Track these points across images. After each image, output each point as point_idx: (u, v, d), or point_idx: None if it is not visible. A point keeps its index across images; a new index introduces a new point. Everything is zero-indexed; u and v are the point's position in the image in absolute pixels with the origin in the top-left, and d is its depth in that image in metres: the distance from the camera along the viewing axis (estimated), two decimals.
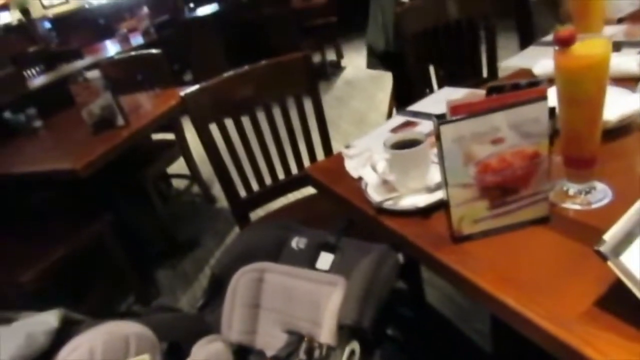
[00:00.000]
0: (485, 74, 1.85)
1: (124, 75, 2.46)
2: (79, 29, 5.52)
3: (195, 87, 1.41)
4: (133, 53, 2.78)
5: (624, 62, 1.08)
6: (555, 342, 0.55)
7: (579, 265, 0.62)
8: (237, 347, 0.90)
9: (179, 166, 2.68)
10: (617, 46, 1.25)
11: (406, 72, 1.89)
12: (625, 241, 0.52)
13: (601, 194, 0.73)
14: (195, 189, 2.86)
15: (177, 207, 2.86)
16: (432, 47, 1.78)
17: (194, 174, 2.70)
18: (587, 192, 0.74)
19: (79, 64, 3.81)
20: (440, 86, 1.84)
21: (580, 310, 0.56)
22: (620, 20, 1.49)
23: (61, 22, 6.31)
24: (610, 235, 0.51)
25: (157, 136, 2.57)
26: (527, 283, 0.63)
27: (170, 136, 2.54)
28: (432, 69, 1.91)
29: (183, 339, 0.85)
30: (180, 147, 2.55)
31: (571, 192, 0.75)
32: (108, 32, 5.34)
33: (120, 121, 1.82)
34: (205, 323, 0.94)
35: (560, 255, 0.66)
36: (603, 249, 0.51)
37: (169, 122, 2.36)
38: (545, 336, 0.56)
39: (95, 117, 1.82)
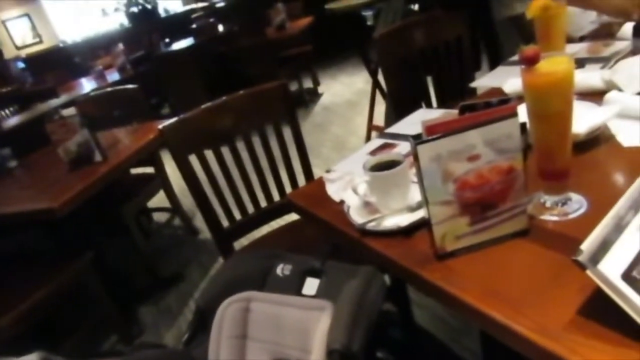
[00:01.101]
0: (462, 94, 1.90)
1: (101, 112, 2.45)
2: (54, 68, 5.50)
3: (174, 119, 1.41)
4: (109, 89, 2.78)
5: (588, 77, 1.12)
6: (543, 353, 0.56)
7: (561, 275, 0.63)
8: None
9: (159, 199, 2.65)
10: (581, 63, 1.30)
11: None
12: (602, 249, 0.53)
13: (577, 204, 0.75)
14: (177, 221, 2.83)
15: (159, 240, 2.82)
16: (409, 71, 1.83)
17: (175, 207, 2.67)
18: (564, 204, 0.76)
19: (54, 102, 3.78)
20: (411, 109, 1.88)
21: (565, 320, 0.57)
22: (582, 39, 1.56)
23: (35, 61, 6.28)
24: (587, 245, 0.53)
25: (136, 170, 2.55)
26: (512, 296, 0.63)
27: (149, 170, 2.52)
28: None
29: None
30: (161, 180, 2.53)
31: (548, 204, 0.77)
32: (83, 69, 5.33)
33: (98, 157, 1.81)
34: (191, 358, 0.92)
35: (541, 266, 0.68)
36: (581, 258, 0.52)
37: (148, 155, 2.35)
38: (534, 348, 0.57)
39: (72, 154, 1.80)
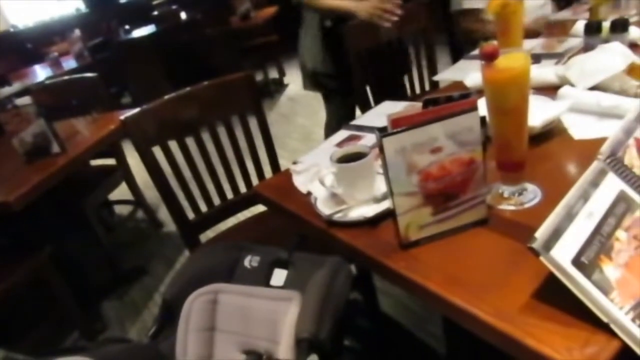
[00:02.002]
0: (427, 87, 1.94)
1: (58, 101, 2.35)
2: (4, 54, 5.21)
3: (136, 110, 1.38)
4: (66, 77, 2.67)
5: (543, 72, 1.18)
6: (500, 335, 0.59)
7: (517, 262, 0.67)
8: None
9: (121, 192, 2.58)
10: (537, 58, 1.36)
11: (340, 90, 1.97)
12: (554, 237, 0.56)
13: (532, 194, 0.79)
14: (140, 214, 2.76)
15: (121, 234, 2.75)
16: (374, 63, 1.85)
17: (138, 199, 2.61)
18: (520, 194, 0.80)
19: (6, 90, 3.59)
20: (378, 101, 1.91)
21: (520, 304, 0.60)
22: (537, 35, 1.62)
23: None
24: (541, 232, 0.56)
25: (96, 162, 2.47)
26: (472, 282, 0.66)
27: (110, 161, 2.45)
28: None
29: None
30: (122, 172, 2.46)
31: (506, 194, 0.80)
32: (37, 56, 5.07)
33: (55, 148, 1.74)
34: (158, 351, 0.91)
35: (500, 253, 0.71)
36: (535, 245, 0.55)
37: (109, 147, 2.27)
38: (491, 331, 0.60)
39: (28, 146, 1.73)
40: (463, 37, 1.90)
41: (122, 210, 2.91)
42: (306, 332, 0.74)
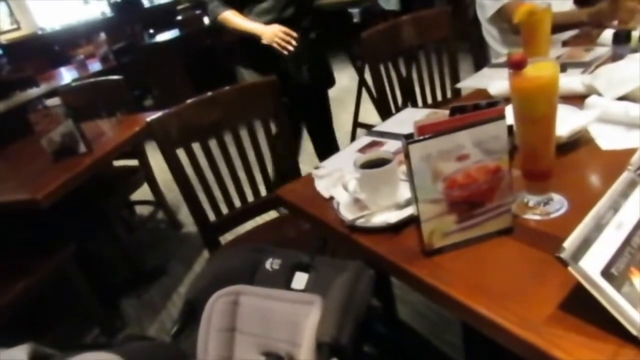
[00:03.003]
0: (449, 94, 1.94)
1: (84, 102, 2.41)
2: (32, 56, 5.36)
3: (161, 112, 1.41)
4: (93, 80, 2.74)
5: (570, 82, 1.16)
6: (525, 345, 0.58)
7: (543, 272, 0.66)
8: None
9: (142, 192, 2.63)
10: (563, 67, 1.34)
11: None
12: (583, 247, 0.55)
13: (558, 204, 0.78)
14: (160, 215, 2.81)
15: (142, 234, 2.79)
16: (395, 70, 1.86)
17: (159, 200, 2.65)
18: (546, 203, 0.79)
19: (36, 91, 3.70)
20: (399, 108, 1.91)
21: (547, 314, 0.60)
22: (564, 44, 1.61)
23: (13, 48, 6.11)
24: (569, 242, 0.55)
25: (119, 163, 2.52)
26: (496, 291, 0.66)
27: (133, 162, 2.50)
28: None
29: None
30: (144, 173, 2.51)
31: (531, 203, 0.80)
32: (63, 58, 5.21)
33: (82, 148, 1.78)
34: (180, 350, 0.92)
35: (524, 263, 0.70)
36: (563, 255, 0.55)
37: (133, 148, 2.32)
38: (516, 340, 0.59)
39: (56, 145, 1.78)
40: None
41: (142, 210, 2.96)
42: (328, 336, 0.74)
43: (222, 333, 0.90)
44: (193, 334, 0.93)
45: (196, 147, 1.43)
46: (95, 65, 4.33)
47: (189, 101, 1.45)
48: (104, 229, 2.19)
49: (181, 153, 1.41)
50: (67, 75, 4.26)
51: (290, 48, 1.83)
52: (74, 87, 2.77)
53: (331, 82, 2.43)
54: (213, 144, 1.46)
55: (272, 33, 1.83)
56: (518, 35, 1.24)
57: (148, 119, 1.38)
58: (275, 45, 1.82)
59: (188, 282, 2.24)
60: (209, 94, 1.48)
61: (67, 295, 1.93)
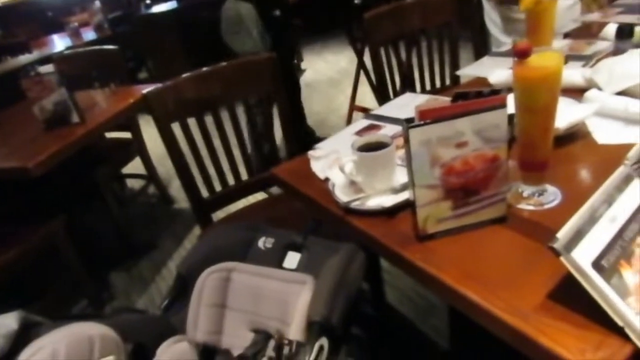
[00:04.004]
0: (448, 81, 1.93)
1: (78, 71, 2.37)
2: (25, 21, 5.23)
3: (157, 85, 1.39)
4: (87, 48, 2.69)
5: (570, 74, 1.16)
6: (513, 332, 0.59)
7: (534, 261, 0.67)
8: (203, 347, 0.89)
9: (134, 166, 2.61)
10: (564, 59, 1.34)
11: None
12: (576, 238, 0.56)
13: (552, 195, 0.79)
14: (152, 189, 2.79)
15: (132, 208, 2.78)
16: (395, 54, 1.84)
17: (151, 174, 2.64)
18: (540, 194, 0.79)
19: (28, 57, 3.62)
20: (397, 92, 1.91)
21: (536, 302, 0.61)
22: (565, 36, 1.60)
23: (5, 12, 5.95)
24: (563, 233, 0.56)
25: (111, 135, 2.49)
26: (487, 278, 0.67)
27: (126, 135, 2.47)
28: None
29: (148, 340, 0.83)
30: (137, 147, 2.49)
31: (526, 193, 0.80)
32: (56, 25, 5.08)
33: (75, 118, 1.76)
34: (170, 324, 0.93)
35: (516, 252, 0.71)
36: (556, 245, 0.55)
37: (126, 120, 2.29)
38: (504, 327, 0.60)
39: (48, 114, 1.75)
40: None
41: (134, 184, 2.94)
42: (318, 316, 0.75)
43: (213, 308, 0.91)
44: (183, 308, 0.94)
45: (191, 122, 1.42)
46: (89, 34, 4.24)
47: (186, 75, 1.43)
48: (94, 200, 2.18)
49: (176, 128, 1.40)
50: (60, 43, 4.17)
51: None
52: (68, 55, 2.72)
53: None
54: (209, 120, 1.44)
55: None
56: (521, 23, 1.23)
57: (144, 91, 1.36)
58: None
59: (178, 257, 2.25)
60: (207, 68, 1.46)
61: (57, 265, 1.92)
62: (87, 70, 2.39)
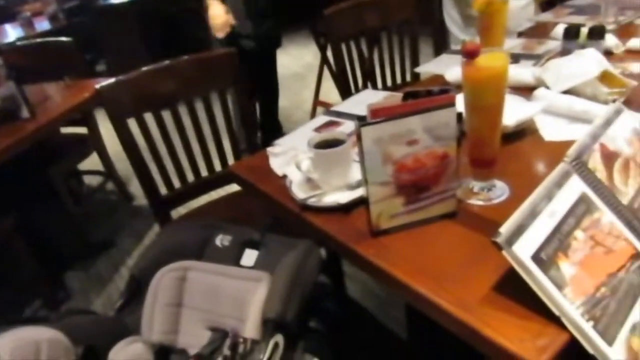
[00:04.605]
0: (408, 78, 1.96)
1: (29, 64, 2.26)
2: None
3: (112, 79, 1.34)
4: (40, 40, 2.57)
5: (521, 73, 1.20)
6: (459, 324, 0.62)
7: (481, 255, 0.69)
8: (159, 347, 0.88)
9: (91, 162, 2.52)
10: (516, 58, 1.38)
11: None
12: (517, 233, 0.59)
13: (500, 191, 0.82)
14: (110, 186, 2.71)
15: (90, 205, 2.69)
16: (357, 50, 1.85)
17: (109, 171, 2.56)
18: (489, 190, 0.82)
19: None
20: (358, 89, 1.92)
21: (481, 295, 0.63)
22: (519, 35, 1.65)
23: None
24: (505, 228, 0.58)
25: (67, 130, 2.40)
26: (437, 272, 0.69)
27: (82, 130, 2.39)
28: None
29: (100, 343, 0.82)
30: (94, 143, 2.41)
31: (475, 189, 0.83)
32: (7, 14, 4.84)
33: (25, 113, 1.68)
34: (123, 325, 0.91)
35: (465, 246, 0.74)
36: (499, 239, 0.58)
37: (82, 115, 2.22)
38: (451, 319, 0.63)
39: None
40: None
41: (91, 181, 2.85)
42: (273, 313, 0.76)
43: (169, 308, 0.90)
44: (138, 308, 0.92)
45: (149, 117, 1.38)
46: (43, 24, 4.05)
47: (143, 69, 1.39)
48: (49, 198, 2.10)
49: (133, 123, 1.36)
50: (11, 33, 3.97)
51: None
52: (19, 46, 2.60)
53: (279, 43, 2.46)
54: (167, 115, 1.41)
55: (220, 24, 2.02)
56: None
57: (98, 86, 1.32)
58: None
59: (138, 256, 2.20)
60: (166, 62, 1.43)
61: (9, 266, 1.84)
62: (40, 63, 2.28)
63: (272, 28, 2.39)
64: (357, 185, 0.87)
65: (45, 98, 1.91)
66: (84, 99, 1.86)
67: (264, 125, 2.78)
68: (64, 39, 2.31)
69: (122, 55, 4.10)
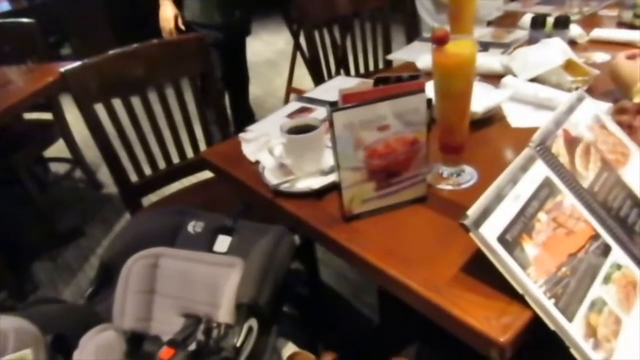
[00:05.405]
0: (381, 65, 1.97)
1: None
2: None
3: (78, 63, 1.30)
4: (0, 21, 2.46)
5: (489, 61, 1.23)
6: (428, 305, 0.63)
7: (450, 237, 0.71)
8: (131, 334, 0.87)
9: (57, 149, 2.45)
10: (485, 46, 1.41)
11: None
12: (483, 215, 0.60)
13: (469, 176, 0.84)
14: (78, 173, 2.64)
15: (57, 193, 2.62)
16: (330, 37, 1.85)
17: (76, 158, 2.49)
18: (458, 175, 0.84)
19: None
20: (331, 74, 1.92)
21: (449, 276, 0.65)
22: (489, 23, 1.68)
23: None
24: (472, 211, 0.60)
25: (31, 116, 2.32)
26: (407, 255, 0.70)
27: (47, 116, 2.31)
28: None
29: (70, 331, 0.80)
30: (60, 129, 2.33)
31: (445, 174, 0.85)
32: None
33: None
34: (94, 313, 0.90)
35: (434, 229, 0.76)
36: (466, 222, 0.59)
37: (46, 100, 2.14)
38: (421, 300, 0.64)
39: None
40: None
41: (58, 168, 2.77)
42: (246, 298, 0.76)
43: (141, 295, 0.89)
44: (109, 296, 0.91)
45: (117, 104, 1.35)
46: (2, 5, 3.87)
47: (109, 52, 1.35)
48: (12, 185, 2.03)
49: (100, 109, 1.33)
50: None
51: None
52: None
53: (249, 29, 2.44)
54: (136, 101, 1.38)
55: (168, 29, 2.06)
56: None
57: (63, 69, 1.27)
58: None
59: (108, 243, 2.16)
60: (134, 46, 1.39)
61: None
62: None
63: (241, 18, 2.35)
64: (330, 171, 0.88)
65: (6, 82, 1.84)
66: (48, 83, 1.80)
67: (235, 112, 2.76)
68: (24, 20, 2.22)
69: (88, 38, 3.97)
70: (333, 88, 1.35)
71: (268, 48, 4.68)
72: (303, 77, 3.07)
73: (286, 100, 3.13)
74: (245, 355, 0.72)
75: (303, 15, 1.77)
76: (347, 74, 1.93)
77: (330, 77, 1.91)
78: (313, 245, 1.52)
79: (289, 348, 0.85)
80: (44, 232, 2.20)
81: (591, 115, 0.78)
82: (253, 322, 0.75)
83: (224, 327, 0.76)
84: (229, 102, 2.66)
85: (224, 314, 0.78)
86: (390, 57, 1.79)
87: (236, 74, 2.60)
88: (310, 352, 0.86)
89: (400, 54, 1.59)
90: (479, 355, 0.60)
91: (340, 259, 0.79)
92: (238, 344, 0.71)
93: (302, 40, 2.23)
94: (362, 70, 1.96)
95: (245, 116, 2.77)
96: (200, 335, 0.79)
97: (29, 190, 2.06)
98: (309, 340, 0.96)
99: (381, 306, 1.19)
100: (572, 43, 1.30)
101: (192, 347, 0.79)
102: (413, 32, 2.14)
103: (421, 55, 1.32)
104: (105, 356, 0.75)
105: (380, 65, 1.98)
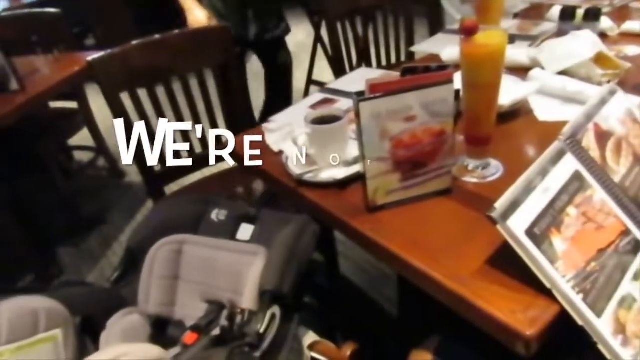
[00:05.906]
0: (403, 57, 1.95)
1: (16, 36, 2.21)
2: None
3: (103, 52, 1.32)
4: (27, 11, 2.51)
5: (516, 54, 1.21)
6: (452, 296, 0.63)
7: (475, 230, 0.71)
8: (155, 319, 0.89)
9: (81, 137, 2.49)
10: (511, 39, 1.39)
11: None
12: (512, 208, 0.60)
13: (494, 169, 0.83)
14: (102, 162, 2.69)
15: (81, 181, 2.67)
16: (352, 29, 1.84)
17: (100, 146, 2.53)
18: (484, 168, 0.83)
19: None
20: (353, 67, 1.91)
21: (474, 269, 0.65)
22: (515, 16, 1.65)
23: None
24: (500, 203, 0.59)
25: (56, 104, 2.36)
26: (432, 246, 0.70)
27: (72, 105, 2.35)
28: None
29: (97, 313, 0.82)
30: (84, 117, 2.37)
31: (470, 167, 0.84)
32: None
33: (14, 85, 1.65)
34: (120, 296, 0.92)
35: (460, 222, 0.75)
36: (494, 214, 0.59)
37: (71, 89, 2.18)
38: (445, 292, 0.64)
39: None
40: None
41: (82, 156, 2.82)
42: (270, 285, 0.77)
43: (165, 280, 0.91)
44: (134, 280, 0.93)
45: (142, 93, 1.37)
46: None
47: (135, 42, 1.37)
48: (38, 173, 2.08)
49: (126, 98, 1.35)
50: None
51: None
52: (5, 17, 2.53)
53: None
54: (160, 91, 1.40)
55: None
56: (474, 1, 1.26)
57: (90, 58, 1.30)
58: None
59: (130, 232, 2.19)
60: (157, 36, 1.41)
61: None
62: (26, 35, 2.23)
63: (257, 34, 2.31)
64: (353, 162, 0.88)
65: (34, 71, 1.87)
66: (74, 73, 1.83)
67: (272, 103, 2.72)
68: (51, 10, 2.26)
69: (111, 29, 4.02)
70: (355, 80, 1.35)
71: (288, 40, 4.67)
72: (323, 70, 3.07)
73: (306, 92, 3.12)
74: (268, 342, 0.73)
75: (325, 7, 1.76)
76: (369, 66, 1.92)
77: (351, 69, 1.90)
78: (333, 236, 1.52)
79: (310, 337, 0.86)
80: (68, 218, 2.25)
81: (623, 109, 0.76)
82: (276, 310, 0.76)
83: (248, 314, 0.77)
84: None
85: (248, 300, 0.79)
86: (413, 49, 1.77)
87: (277, 72, 2.59)
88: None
89: (424, 46, 1.57)
90: (503, 349, 0.59)
91: (362, 250, 0.79)
92: (261, 331, 0.72)
93: (324, 33, 2.22)
94: (384, 62, 1.94)
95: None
96: (223, 321, 0.80)
97: (54, 178, 2.10)
98: (329, 331, 0.96)
99: (400, 299, 1.19)
100: (603, 36, 1.27)
101: (216, 332, 0.80)
102: (436, 25, 2.12)
103: (446, 47, 1.30)
104: (132, 339, 0.77)
105: (403, 58, 1.96)
